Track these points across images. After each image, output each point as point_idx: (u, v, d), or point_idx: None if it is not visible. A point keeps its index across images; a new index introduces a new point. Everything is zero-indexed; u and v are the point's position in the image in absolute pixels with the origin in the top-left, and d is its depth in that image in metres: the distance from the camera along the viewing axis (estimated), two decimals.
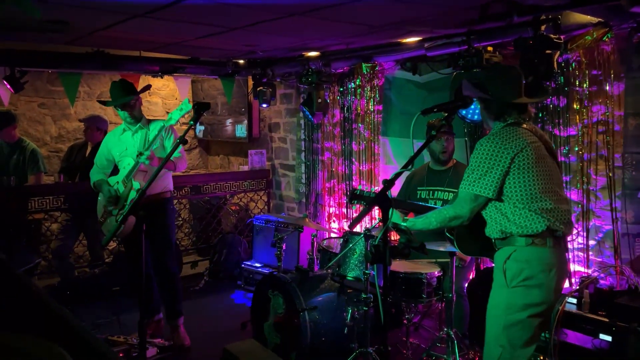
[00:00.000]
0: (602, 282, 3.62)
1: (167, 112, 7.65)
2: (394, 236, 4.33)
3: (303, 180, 6.37)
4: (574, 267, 3.90)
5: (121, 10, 3.28)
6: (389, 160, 5.39)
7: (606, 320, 3.14)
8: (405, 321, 3.74)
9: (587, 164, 3.81)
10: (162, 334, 4.24)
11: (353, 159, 5.63)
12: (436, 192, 3.99)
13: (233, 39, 4.21)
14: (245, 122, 6.92)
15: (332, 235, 5.58)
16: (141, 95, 4.10)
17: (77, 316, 1.24)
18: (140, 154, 3.73)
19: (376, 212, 5.19)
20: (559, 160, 3.83)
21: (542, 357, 3.32)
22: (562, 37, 3.40)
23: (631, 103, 3.62)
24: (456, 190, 3.81)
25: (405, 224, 2.73)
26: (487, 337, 2.56)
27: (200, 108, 2.96)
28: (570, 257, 3.87)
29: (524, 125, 2.56)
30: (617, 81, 3.64)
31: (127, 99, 3.92)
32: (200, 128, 7.79)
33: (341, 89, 5.64)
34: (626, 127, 3.66)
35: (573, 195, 3.88)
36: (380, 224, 2.39)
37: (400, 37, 4.31)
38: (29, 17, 3.29)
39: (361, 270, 3.39)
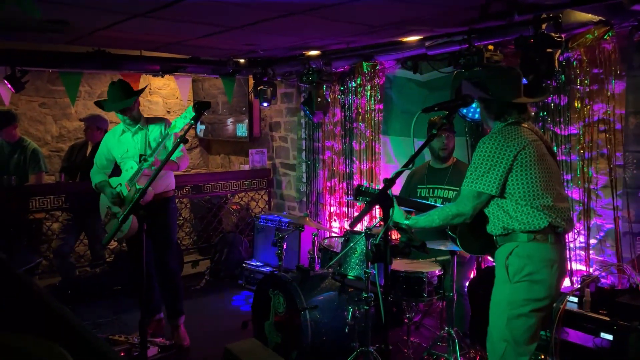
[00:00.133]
0: (603, 281, 3.62)
1: (168, 112, 7.66)
2: (395, 235, 4.34)
3: (304, 180, 6.37)
4: (575, 266, 3.90)
5: (121, 10, 3.28)
6: (390, 159, 5.39)
7: (607, 319, 3.14)
8: (406, 320, 3.74)
9: (588, 163, 3.81)
10: (163, 333, 4.24)
11: (354, 158, 5.63)
12: (436, 190, 3.99)
13: (233, 38, 4.21)
14: (246, 121, 6.92)
15: (333, 234, 5.58)
16: (141, 94, 4.08)
17: (78, 315, 1.25)
18: (144, 159, 3.71)
19: (377, 211, 5.19)
20: (560, 159, 3.85)
21: (543, 356, 3.31)
22: (563, 35, 3.39)
23: (632, 101, 3.62)
24: (456, 188, 3.82)
25: (408, 222, 2.73)
26: (491, 334, 2.58)
27: (200, 107, 2.95)
28: (571, 255, 3.87)
29: (524, 125, 2.58)
30: (618, 80, 3.63)
31: (127, 103, 3.84)
32: (201, 127, 7.79)
33: (342, 88, 5.63)
34: (627, 126, 3.65)
35: (574, 194, 3.88)
36: (381, 223, 2.40)
37: (400, 36, 4.31)
38: (29, 17, 3.29)
39: (362, 269, 3.39)
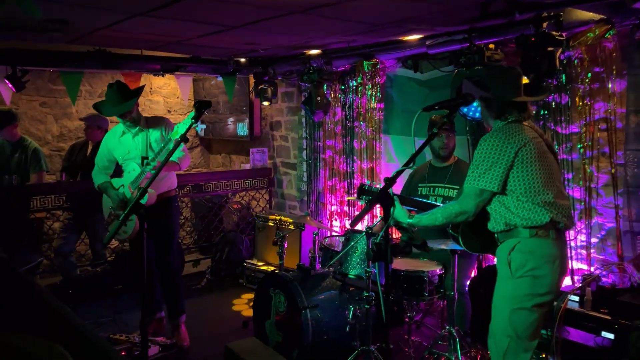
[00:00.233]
0: (604, 279, 3.61)
1: (169, 111, 7.66)
2: (396, 234, 4.34)
3: (304, 179, 6.37)
4: (576, 264, 3.89)
5: (121, 9, 3.28)
6: (391, 158, 5.39)
7: (608, 318, 3.14)
8: (407, 319, 3.74)
9: (589, 162, 3.80)
10: (164, 332, 4.24)
11: (354, 157, 5.63)
12: (437, 189, 3.99)
13: (234, 37, 4.21)
14: (247, 120, 6.92)
15: (334, 233, 5.58)
16: (141, 94, 4.06)
17: (79, 315, 1.25)
18: (147, 163, 3.70)
19: (378, 210, 5.19)
20: (561, 157, 3.85)
21: (544, 355, 3.31)
22: (564, 34, 3.39)
23: (633, 100, 3.62)
24: (457, 187, 3.82)
25: (411, 220, 2.74)
26: (493, 331, 2.59)
27: (201, 106, 2.95)
28: (572, 254, 3.87)
29: (525, 123, 2.60)
30: (619, 78, 3.63)
31: (126, 107, 3.80)
32: (201, 127, 7.78)
33: (342, 87, 5.63)
34: (628, 124, 3.65)
35: (575, 192, 3.88)
36: (382, 222, 2.40)
37: (401, 35, 4.30)
38: (30, 17, 3.29)
39: (363, 269, 3.39)
